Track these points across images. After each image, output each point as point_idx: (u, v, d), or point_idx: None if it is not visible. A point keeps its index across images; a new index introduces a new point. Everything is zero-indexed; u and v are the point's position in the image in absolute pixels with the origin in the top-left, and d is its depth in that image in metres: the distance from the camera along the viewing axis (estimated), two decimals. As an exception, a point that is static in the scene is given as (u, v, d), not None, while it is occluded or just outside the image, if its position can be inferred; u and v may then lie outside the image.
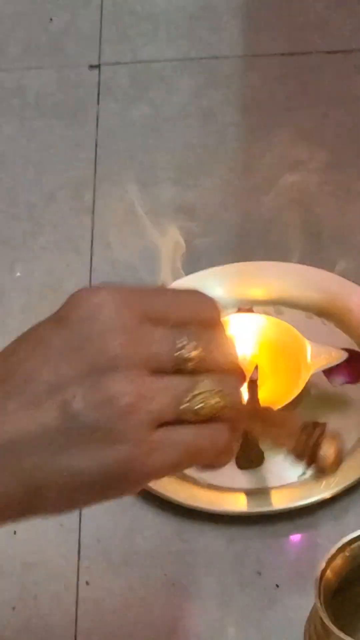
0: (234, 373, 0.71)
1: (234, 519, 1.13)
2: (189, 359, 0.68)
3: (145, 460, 0.68)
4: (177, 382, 0.67)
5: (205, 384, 0.68)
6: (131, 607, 1.09)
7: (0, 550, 1.18)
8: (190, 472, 1.08)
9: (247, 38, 1.83)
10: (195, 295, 0.74)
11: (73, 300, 0.69)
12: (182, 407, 0.67)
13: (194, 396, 0.67)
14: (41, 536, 1.19)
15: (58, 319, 0.69)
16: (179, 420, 0.67)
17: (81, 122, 1.64)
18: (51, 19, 1.76)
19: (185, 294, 0.76)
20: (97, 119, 1.62)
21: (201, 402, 0.67)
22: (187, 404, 0.66)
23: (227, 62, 1.79)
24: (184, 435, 0.67)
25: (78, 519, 1.20)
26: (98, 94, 1.66)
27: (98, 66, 1.73)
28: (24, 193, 1.54)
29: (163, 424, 0.65)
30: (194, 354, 0.68)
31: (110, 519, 1.19)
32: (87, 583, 1.13)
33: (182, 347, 0.68)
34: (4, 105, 1.70)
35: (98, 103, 1.64)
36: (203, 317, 0.72)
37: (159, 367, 0.67)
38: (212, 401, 0.67)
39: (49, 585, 1.15)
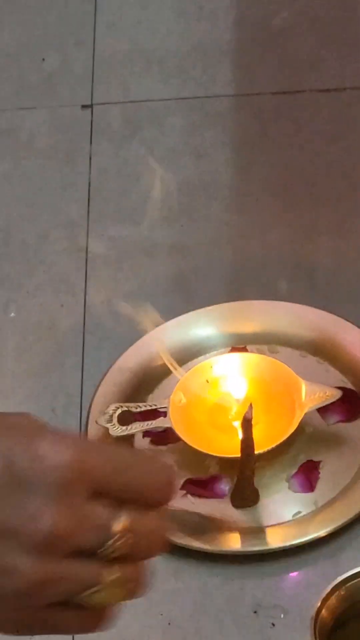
0: (147, 557, 0.73)
1: (230, 558, 1.15)
2: (114, 547, 0.69)
3: (17, 628, 0.80)
4: (88, 572, 0.70)
5: (111, 578, 0.70)
6: (127, 645, 1.00)
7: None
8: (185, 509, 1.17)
9: (239, 77, 1.86)
10: (153, 468, 0.73)
11: (20, 444, 0.68)
12: (79, 596, 0.71)
13: (98, 588, 0.69)
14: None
15: (7, 457, 0.71)
16: (70, 603, 0.71)
17: (74, 162, 1.66)
18: (43, 59, 1.76)
19: (145, 464, 0.74)
20: (90, 159, 1.63)
21: (98, 596, 0.70)
22: (85, 596, 0.68)
23: (219, 101, 1.80)
24: (65, 618, 0.72)
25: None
26: (91, 134, 1.67)
27: (90, 106, 1.76)
28: (18, 233, 1.54)
29: (56, 604, 0.69)
30: (120, 544, 0.69)
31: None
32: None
33: (115, 531, 0.69)
34: (-3, 145, 1.57)
35: (91, 143, 1.65)
36: (150, 496, 0.72)
37: (81, 549, 0.68)
38: (107, 596, 0.69)
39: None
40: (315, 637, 0.94)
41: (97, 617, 0.69)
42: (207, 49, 1.89)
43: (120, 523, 0.67)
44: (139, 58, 1.88)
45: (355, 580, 1.00)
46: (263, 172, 1.60)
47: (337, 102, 1.77)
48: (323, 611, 0.95)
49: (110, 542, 0.68)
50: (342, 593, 0.98)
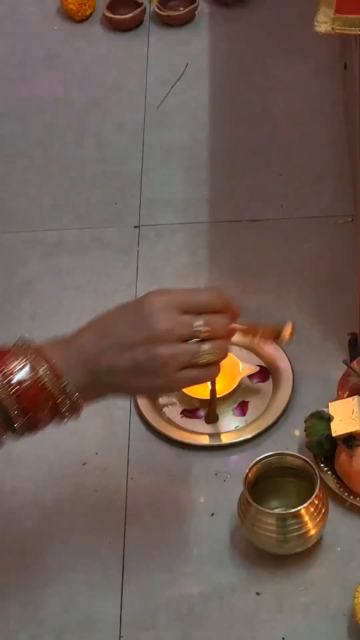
0: (225, 338, 1.27)
1: (203, 448, 1.66)
2: (200, 333, 1.20)
3: (170, 386, 1.26)
4: (192, 347, 1.20)
5: (205, 349, 1.20)
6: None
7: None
8: (181, 425, 1.67)
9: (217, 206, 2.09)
10: (213, 293, 1.29)
11: (146, 297, 1.24)
12: (193, 360, 1.19)
13: (200, 355, 1.20)
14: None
15: (136, 304, 1.26)
16: (192, 365, 1.22)
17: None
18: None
19: (208, 293, 1.32)
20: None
21: (202, 358, 1.20)
22: (196, 359, 1.19)
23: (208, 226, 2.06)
24: (192, 373, 1.23)
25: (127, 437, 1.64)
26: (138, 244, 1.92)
27: (139, 226, 2.01)
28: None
29: (184, 367, 1.20)
30: (203, 331, 1.21)
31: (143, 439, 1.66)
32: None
33: (198, 328, 1.20)
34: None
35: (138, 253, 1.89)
36: (213, 307, 1.25)
37: (184, 338, 1.19)
38: (208, 357, 1.20)
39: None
40: (245, 487, 1.43)
41: (208, 369, 1.25)
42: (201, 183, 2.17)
43: (199, 321, 1.20)
44: (165, 200, 2.20)
45: (265, 460, 1.48)
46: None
47: (305, 230, 2.07)
48: (249, 474, 1.44)
49: (198, 330, 1.21)
50: (259, 465, 1.48)
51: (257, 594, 1.43)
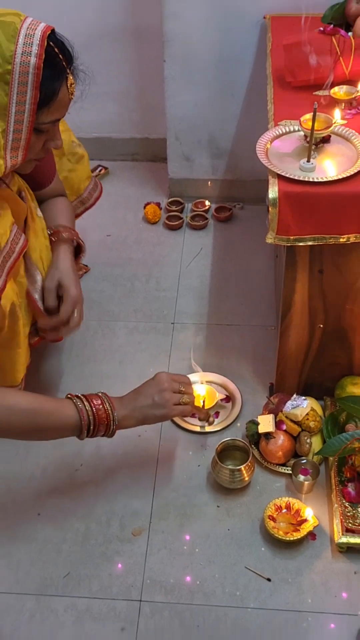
0: (191, 394, 1.38)
1: (197, 433, 1.57)
2: (182, 391, 1.36)
3: (169, 413, 1.35)
4: (178, 396, 1.35)
5: (184, 397, 1.36)
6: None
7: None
8: (188, 421, 1.58)
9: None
10: (187, 378, 1.43)
11: (158, 374, 1.37)
12: (180, 401, 1.35)
13: (182, 399, 1.35)
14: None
15: (154, 377, 1.37)
16: (178, 403, 1.34)
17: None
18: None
19: (185, 377, 1.43)
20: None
21: (183, 400, 1.35)
22: (182, 400, 1.34)
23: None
24: (178, 407, 1.34)
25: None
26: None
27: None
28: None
29: (175, 405, 1.33)
30: (183, 390, 1.36)
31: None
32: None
33: (181, 388, 1.36)
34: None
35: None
36: (187, 381, 1.39)
37: (175, 391, 1.34)
38: (185, 400, 1.35)
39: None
40: (215, 453, 1.43)
41: (185, 407, 1.35)
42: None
43: (181, 387, 1.35)
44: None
45: (225, 442, 1.46)
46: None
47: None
48: (218, 448, 1.43)
49: (181, 389, 1.35)
50: (222, 444, 1.45)
51: (217, 506, 1.45)
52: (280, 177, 1.27)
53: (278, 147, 1.36)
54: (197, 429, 1.59)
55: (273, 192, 1.25)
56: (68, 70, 1.17)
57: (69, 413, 1.25)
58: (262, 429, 1.49)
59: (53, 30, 1.15)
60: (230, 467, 1.43)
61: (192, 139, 2.14)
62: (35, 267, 1.45)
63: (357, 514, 1.35)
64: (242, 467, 1.43)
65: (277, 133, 1.39)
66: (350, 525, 1.34)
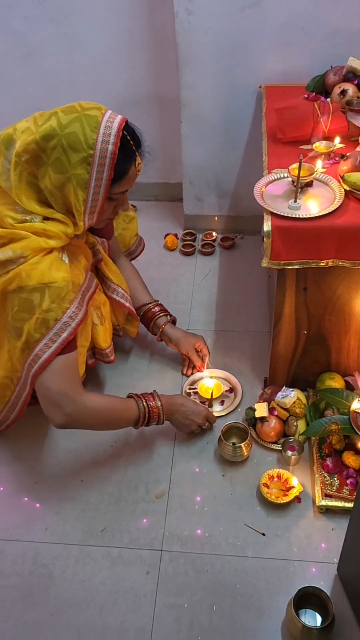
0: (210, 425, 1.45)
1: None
2: (202, 427, 1.43)
3: (185, 432, 1.44)
4: (198, 428, 1.42)
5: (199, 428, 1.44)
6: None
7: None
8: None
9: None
10: (213, 418, 1.45)
11: (201, 412, 1.42)
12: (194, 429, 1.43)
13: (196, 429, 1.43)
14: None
15: (196, 410, 1.41)
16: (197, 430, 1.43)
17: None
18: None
19: (212, 418, 1.46)
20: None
21: (196, 430, 1.43)
22: (195, 430, 1.42)
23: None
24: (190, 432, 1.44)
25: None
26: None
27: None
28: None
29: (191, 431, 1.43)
30: (205, 426, 1.43)
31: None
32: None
33: (204, 423, 1.43)
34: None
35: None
36: (213, 420, 1.44)
37: (201, 425, 1.41)
38: (198, 430, 1.44)
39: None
40: (221, 433, 1.42)
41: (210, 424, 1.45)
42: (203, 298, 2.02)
43: (204, 428, 1.44)
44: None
45: (229, 424, 1.44)
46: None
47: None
48: (223, 430, 1.41)
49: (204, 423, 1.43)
50: (226, 426, 1.43)
51: (223, 475, 1.45)
52: (273, 214, 1.27)
53: (271, 190, 1.36)
54: (217, 414, 1.56)
55: (267, 226, 1.26)
56: (137, 153, 1.20)
57: (133, 411, 1.30)
58: (258, 414, 1.48)
59: (127, 122, 1.17)
60: (233, 443, 1.43)
61: (203, 183, 2.14)
62: (116, 285, 1.49)
63: (334, 482, 1.34)
64: (242, 444, 1.42)
65: (270, 179, 1.39)
66: (328, 491, 1.33)
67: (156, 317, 1.58)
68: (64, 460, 1.48)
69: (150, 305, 1.60)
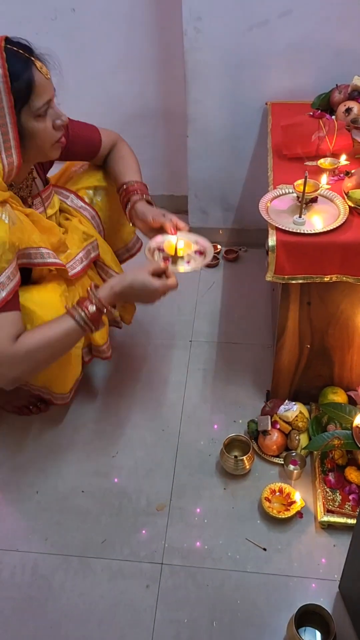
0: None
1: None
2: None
3: (153, 303, 1.23)
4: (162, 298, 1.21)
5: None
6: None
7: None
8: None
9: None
10: (175, 285, 1.22)
11: (151, 292, 1.18)
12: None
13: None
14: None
15: (146, 292, 1.18)
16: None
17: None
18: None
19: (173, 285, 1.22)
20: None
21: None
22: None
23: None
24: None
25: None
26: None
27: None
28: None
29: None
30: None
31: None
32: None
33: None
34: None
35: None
36: (175, 287, 1.21)
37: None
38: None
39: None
40: (223, 446, 1.42)
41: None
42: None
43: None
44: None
45: (231, 437, 1.43)
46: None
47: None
48: (225, 443, 1.39)
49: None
50: (228, 439, 1.42)
51: (224, 488, 1.43)
52: (277, 229, 1.26)
53: (276, 205, 1.35)
54: (169, 268, 1.28)
55: (272, 241, 1.25)
56: (32, 58, 1.08)
57: (73, 329, 1.16)
58: (260, 427, 1.48)
59: (6, 39, 1.06)
60: (235, 456, 1.42)
61: (208, 197, 2.13)
62: (116, 273, 1.44)
63: (336, 497, 1.32)
64: (244, 457, 1.41)
65: (276, 194, 1.38)
66: (330, 507, 1.31)
67: (131, 194, 1.39)
68: (65, 471, 1.46)
69: (131, 182, 1.41)
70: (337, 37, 1.71)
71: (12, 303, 1.13)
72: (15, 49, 1.05)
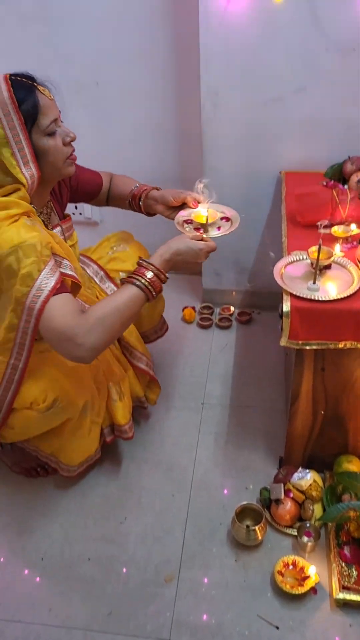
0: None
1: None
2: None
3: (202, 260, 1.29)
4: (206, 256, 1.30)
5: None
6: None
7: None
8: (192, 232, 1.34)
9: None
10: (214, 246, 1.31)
11: (196, 252, 1.27)
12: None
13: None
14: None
15: (192, 254, 1.27)
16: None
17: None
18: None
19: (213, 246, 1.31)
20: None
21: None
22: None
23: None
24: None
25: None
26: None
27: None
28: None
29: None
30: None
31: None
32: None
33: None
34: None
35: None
36: (214, 248, 1.31)
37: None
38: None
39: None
40: (234, 515, 1.39)
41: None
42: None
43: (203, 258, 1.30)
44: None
45: (243, 505, 1.40)
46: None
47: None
48: (237, 510, 1.37)
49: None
50: (241, 507, 1.40)
51: (235, 560, 1.41)
52: (292, 295, 1.28)
53: (290, 271, 1.36)
54: (203, 235, 1.37)
55: (286, 306, 1.26)
56: (35, 84, 1.19)
57: (137, 294, 1.22)
58: (273, 495, 1.46)
59: (11, 74, 1.17)
60: (247, 525, 1.40)
61: (222, 259, 2.15)
62: (141, 354, 1.53)
63: (352, 573, 1.29)
64: (256, 527, 1.39)
65: (290, 260, 1.39)
66: (346, 583, 1.28)
67: (141, 190, 1.52)
68: (72, 537, 1.44)
69: (136, 187, 1.53)
70: (349, 112, 1.78)
71: (62, 287, 1.19)
72: (19, 78, 1.16)
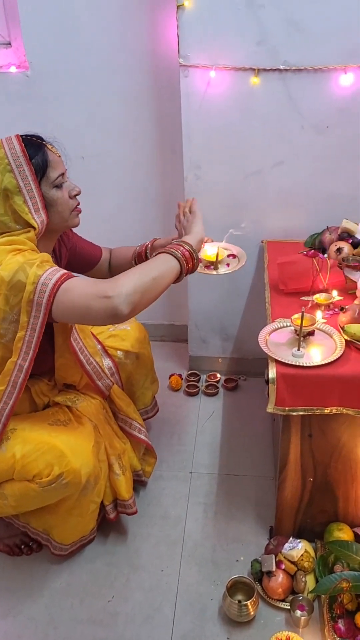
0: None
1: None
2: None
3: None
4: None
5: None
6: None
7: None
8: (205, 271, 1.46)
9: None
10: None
11: (200, 218, 1.40)
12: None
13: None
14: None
15: (200, 218, 1.40)
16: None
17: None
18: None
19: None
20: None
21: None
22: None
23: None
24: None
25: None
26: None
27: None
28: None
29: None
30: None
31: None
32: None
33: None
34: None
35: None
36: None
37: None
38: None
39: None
40: (226, 589, 1.38)
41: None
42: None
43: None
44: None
45: (234, 579, 1.39)
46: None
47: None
48: (228, 584, 1.36)
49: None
50: (231, 582, 1.39)
51: (227, 638, 1.39)
52: (277, 362, 1.32)
53: (275, 338, 1.41)
54: (214, 272, 1.49)
55: (272, 373, 1.30)
56: (43, 142, 1.31)
57: (168, 259, 1.24)
58: (264, 567, 1.46)
59: (22, 135, 1.30)
60: (238, 600, 1.39)
61: (208, 327, 2.21)
62: (132, 420, 1.55)
63: (348, 648, 1.30)
64: (248, 602, 1.38)
65: (274, 327, 1.46)
66: (342, 659, 1.28)
67: (143, 247, 1.60)
68: (58, 618, 1.42)
69: (138, 246, 1.61)
70: (326, 184, 1.89)
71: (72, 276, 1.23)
72: (29, 137, 1.29)
